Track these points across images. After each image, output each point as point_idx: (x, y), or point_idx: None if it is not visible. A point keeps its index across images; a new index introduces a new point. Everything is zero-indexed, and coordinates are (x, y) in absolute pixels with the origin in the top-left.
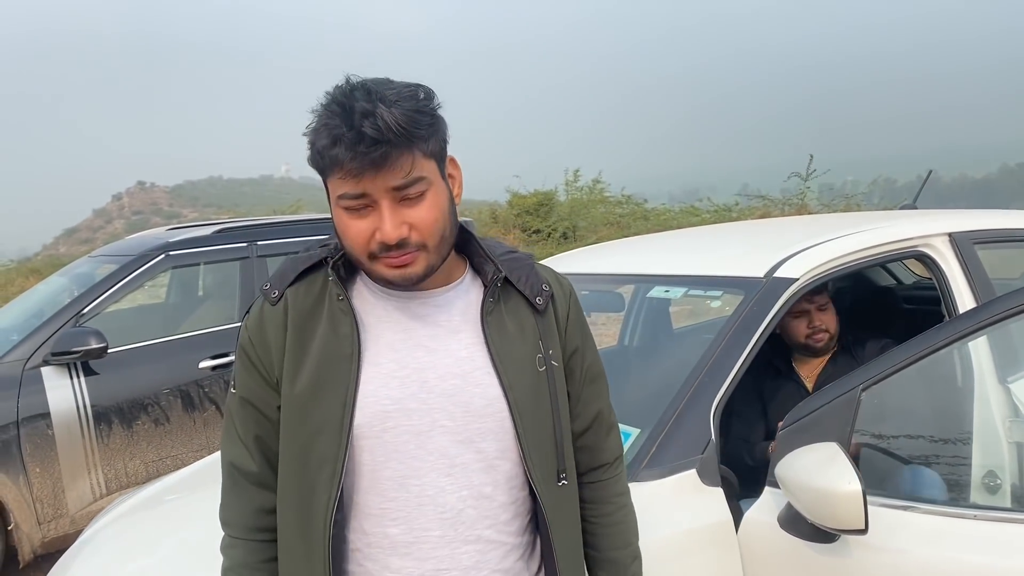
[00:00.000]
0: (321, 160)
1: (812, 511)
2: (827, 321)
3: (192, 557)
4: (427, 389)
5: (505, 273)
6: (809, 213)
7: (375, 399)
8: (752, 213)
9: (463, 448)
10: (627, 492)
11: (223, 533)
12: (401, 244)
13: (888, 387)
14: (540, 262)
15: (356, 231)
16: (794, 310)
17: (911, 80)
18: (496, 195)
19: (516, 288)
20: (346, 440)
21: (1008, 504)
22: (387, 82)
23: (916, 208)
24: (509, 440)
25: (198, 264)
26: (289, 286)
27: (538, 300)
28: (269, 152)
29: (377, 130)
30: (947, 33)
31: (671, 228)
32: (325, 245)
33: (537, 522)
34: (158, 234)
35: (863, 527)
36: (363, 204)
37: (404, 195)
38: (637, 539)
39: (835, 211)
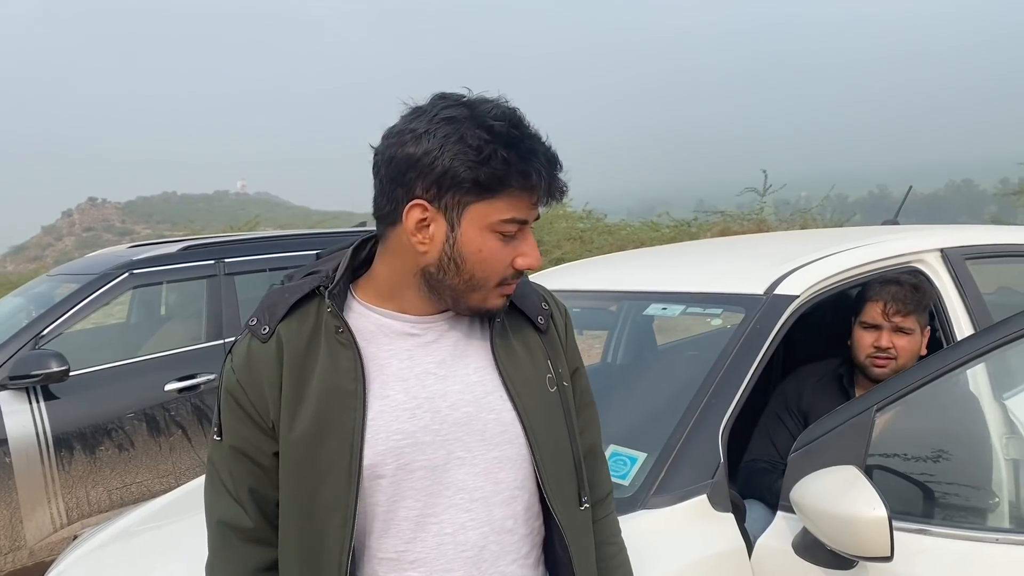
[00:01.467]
0: (506, 178)
1: (833, 538)
2: (901, 347)
3: None
4: (440, 419)
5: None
6: (768, 228)
7: (386, 435)
8: (711, 229)
9: (482, 480)
10: (621, 532)
11: None
12: (525, 272)
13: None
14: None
15: (502, 256)
16: (867, 320)
17: (858, 99)
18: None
19: (517, 308)
20: (356, 483)
21: (1006, 523)
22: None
23: (899, 223)
24: (527, 468)
25: (162, 283)
26: (281, 320)
27: (540, 319)
28: (223, 168)
29: (559, 163)
30: (892, 55)
31: (633, 243)
32: (314, 272)
33: (550, 553)
34: (120, 252)
35: (889, 554)
36: (517, 230)
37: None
38: None
39: (793, 227)
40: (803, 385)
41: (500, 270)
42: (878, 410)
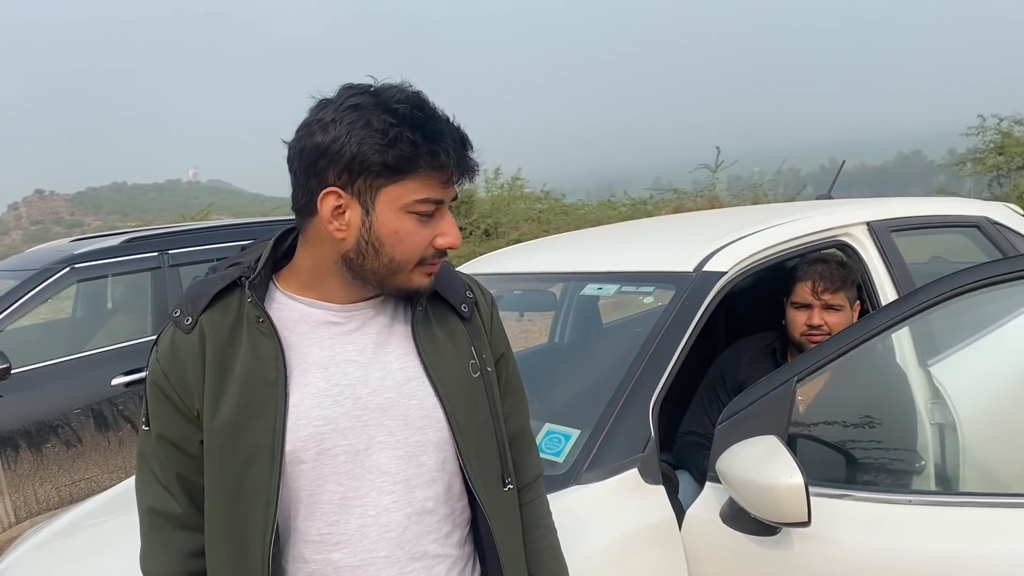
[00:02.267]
0: (415, 159)
1: (755, 506)
2: (833, 323)
3: None
4: (361, 405)
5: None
6: (720, 204)
7: (307, 421)
8: (666, 206)
9: (404, 463)
10: (551, 514)
11: None
12: (447, 252)
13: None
14: (471, 266)
15: (420, 236)
16: (798, 300)
17: (808, 72)
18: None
19: (441, 297)
20: (279, 467)
21: (932, 485)
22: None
23: (832, 198)
24: (449, 451)
25: (106, 276)
26: (203, 311)
27: (464, 307)
28: (174, 156)
29: (470, 141)
30: (840, 27)
31: (590, 222)
32: (236, 263)
33: (476, 532)
34: (61, 246)
35: (806, 519)
36: (433, 210)
37: (450, 207)
38: (566, 564)
39: (745, 201)
40: (739, 359)
41: (419, 251)
42: (798, 381)
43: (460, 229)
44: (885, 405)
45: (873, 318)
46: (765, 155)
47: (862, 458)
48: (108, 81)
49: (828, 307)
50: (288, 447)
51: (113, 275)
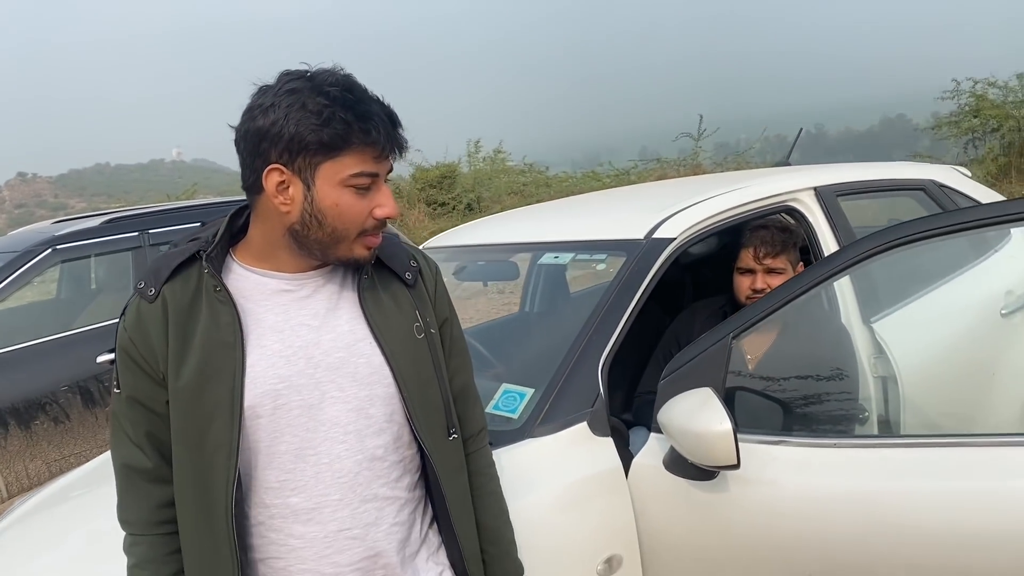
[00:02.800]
0: (348, 136)
1: (691, 452)
2: (775, 286)
3: (103, 548)
4: (314, 364)
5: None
6: (704, 172)
7: (263, 379)
8: (650, 175)
9: (354, 415)
10: (494, 464)
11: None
12: (386, 222)
13: (762, 332)
14: (438, 239)
15: (359, 208)
16: (742, 265)
17: (794, 39)
18: (398, 168)
19: (387, 265)
20: (238, 422)
21: (875, 431)
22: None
23: (790, 165)
24: (396, 404)
25: (89, 257)
26: (165, 282)
27: (407, 275)
28: (158, 136)
29: (398, 119)
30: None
31: (574, 194)
32: (195, 238)
33: (427, 478)
34: (43, 228)
35: (736, 462)
36: (370, 183)
37: (387, 180)
38: (507, 508)
39: (728, 169)
40: (693, 321)
41: (359, 221)
42: (734, 337)
43: (442, 204)
44: (829, 360)
45: (804, 274)
46: (750, 122)
47: (805, 410)
48: (89, 61)
49: (770, 271)
50: (246, 403)
51: (95, 255)
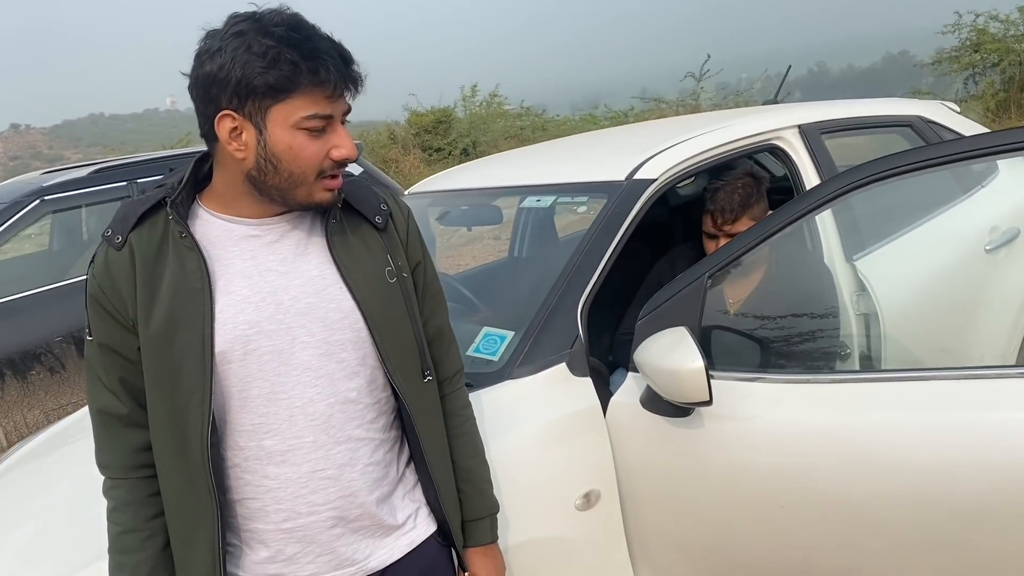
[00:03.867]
0: (295, 77)
1: (665, 389)
2: None
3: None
4: (283, 310)
5: (344, 196)
6: (700, 113)
7: (233, 325)
8: (648, 116)
9: (325, 359)
10: (470, 405)
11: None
12: (346, 163)
13: (745, 276)
14: (421, 185)
15: (314, 150)
16: (705, 230)
17: None
18: (392, 114)
19: (356, 210)
20: (209, 367)
21: (856, 367)
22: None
23: (779, 103)
24: (367, 348)
25: (79, 207)
26: (132, 230)
27: (377, 219)
28: (151, 85)
29: (350, 55)
30: None
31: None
32: (161, 185)
33: (402, 419)
34: (31, 179)
35: (708, 399)
36: (324, 125)
37: (343, 120)
38: (483, 448)
39: (726, 109)
40: (675, 265)
41: (316, 164)
42: (709, 276)
43: (438, 150)
44: (811, 299)
45: (780, 211)
46: (753, 60)
47: (784, 348)
48: (78, 8)
49: (731, 236)
50: (217, 348)
51: (86, 206)
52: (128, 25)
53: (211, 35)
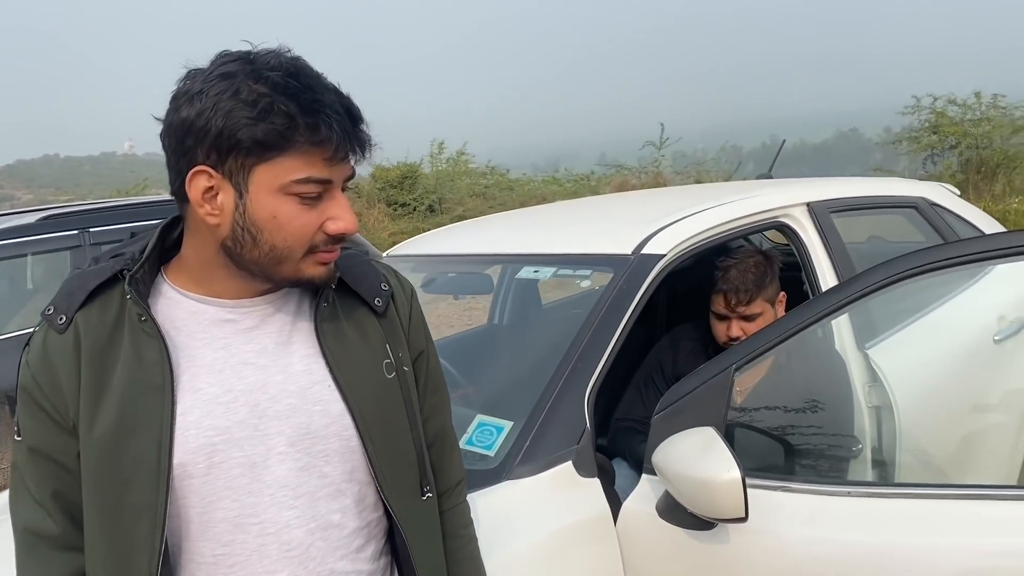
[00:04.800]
0: (289, 133)
1: (691, 501)
2: (752, 332)
3: None
4: (258, 413)
5: (340, 273)
6: (665, 181)
7: (197, 431)
8: (610, 182)
9: (305, 475)
10: (472, 523)
11: None
12: (343, 238)
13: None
14: (405, 247)
15: (305, 221)
16: (716, 310)
17: (751, 52)
18: (357, 168)
19: (352, 289)
20: (165, 483)
21: (868, 468)
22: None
23: (772, 177)
24: (357, 459)
25: (24, 255)
26: (79, 309)
27: (377, 301)
28: (109, 127)
29: (359, 113)
30: (776, 7)
31: (535, 198)
32: (119, 255)
33: (393, 542)
34: None
35: (743, 515)
36: (320, 191)
37: (344, 187)
38: (485, 573)
39: (688, 179)
40: (677, 347)
41: (305, 237)
42: (736, 369)
43: (403, 205)
44: (823, 391)
45: (811, 305)
46: (709, 132)
47: (800, 446)
48: (38, 47)
49: (745, 317)
50: (176, 460)
51: (33, 254)
52: (87, 65)
53: (193, 75)
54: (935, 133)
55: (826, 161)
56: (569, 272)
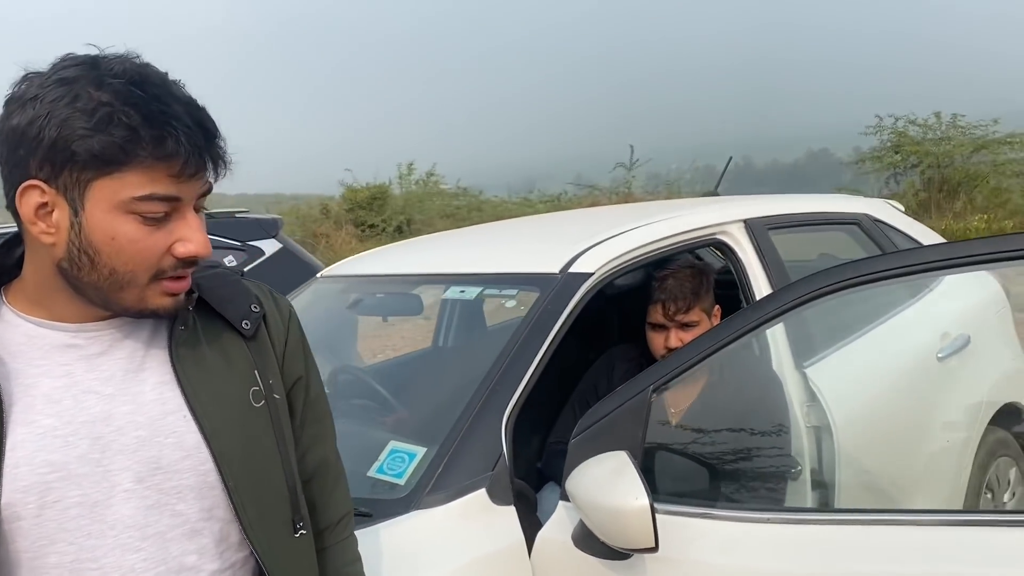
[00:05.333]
0: (130, 146)
1: (601, 529)
2: (690, 341)
3: None
4: (101, 447)
5: (200, 293)
6: (635, 201)
7: (29, 468)
8: (581, 202)
9: (155, 514)
10: (359, 559)
11: None
12: (195, 262)
13: (688, 382)
14: (337, 267)
15: (149, 243)
16: (653, 321)
17: (722, 71)
18: (326, 188)
19: (216, 312)
20: None
21: (805, 492)
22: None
23: (718, 195)
24: (217, 495)
25: None
26: None
27: (245, 324)
28: None
29: (214, 126)
30: (750, 28)
31: (505, 218)
32: None
33: None
34: None
35: (653, 545)
36: (167, 210)
37: (197, 205)
38: None
39: (658, 198)
40: (612, 368)
41: (150, 261)
42: (654, 390)
43: (371, 226)
44: (758, 411)
45: (732, 320)
46: (681, 152)
47: (730, 469)
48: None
49: (683, 326)
50: (3, 500)
51: None
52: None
53: (29, 78)
54: (897, 153)
55: (797, 180)
56: (495, 292)
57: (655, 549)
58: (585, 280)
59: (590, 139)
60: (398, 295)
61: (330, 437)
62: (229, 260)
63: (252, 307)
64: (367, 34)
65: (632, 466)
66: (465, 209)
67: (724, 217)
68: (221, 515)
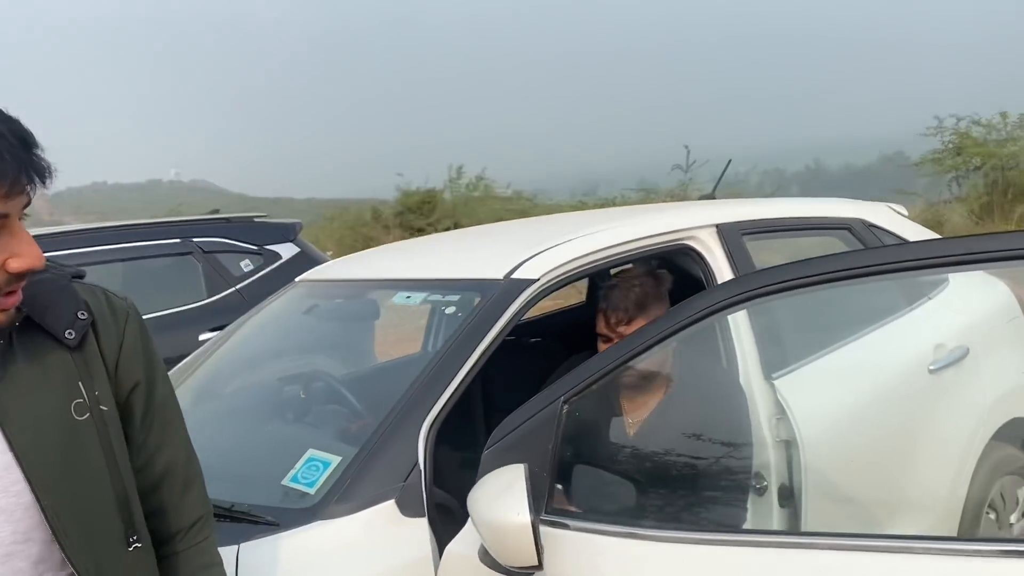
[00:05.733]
0: None
1: (490, 546)
2: None
3: None
4: None
5: (19, 304)
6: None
7: None
8: (632, 204)
9: None
10: (219, 563)
11: None
12: (28, 275)
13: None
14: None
15: None
16: (599, 331)
17: (797, 73)
18: (378, 192)
19: (36, 322)
20: None
21: (773, 512)
22: None
23: (715, 199)
24: (34, 517)
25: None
26: None
27: (69, 334)
28: (157, 155)
29: (33, 138)
30: (809, 34)
31: None
32: None
33: None
34: None
35: (536, 563)
36: None
37: (22, 216)
38: None
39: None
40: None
41: None
42: (565, 401)
43: (419, 230)
44: (718, 424)
45: (649, 328)
46: (751, 155)
47: (679, 487)
48: (88, 79)
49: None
50: None
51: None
52: (134, 92)
53: None
54: (959, 154)
55: (870, 184)
56: (439, 297)
57: (539, 567)
58: (527, 286)
59: (657, 142)
60: (353, 300)
61: (178, 441)
62: (245, 264)
63: (79, 314)
64: (441, 47)
65: (523, 479)
66: (513, 212)
67: (693, 222)
68: (42, 536)
